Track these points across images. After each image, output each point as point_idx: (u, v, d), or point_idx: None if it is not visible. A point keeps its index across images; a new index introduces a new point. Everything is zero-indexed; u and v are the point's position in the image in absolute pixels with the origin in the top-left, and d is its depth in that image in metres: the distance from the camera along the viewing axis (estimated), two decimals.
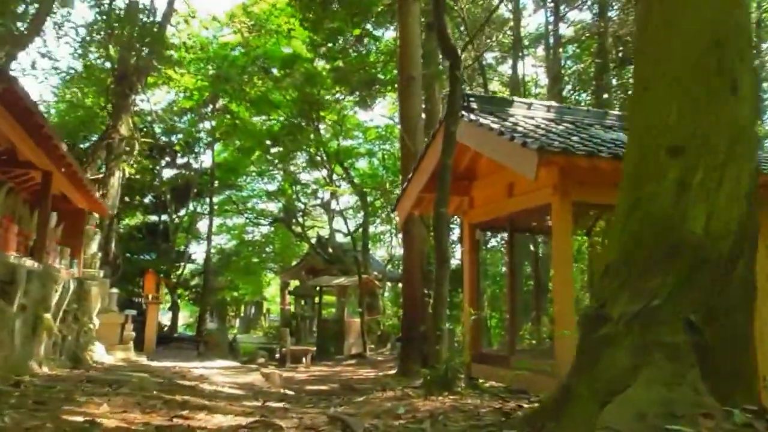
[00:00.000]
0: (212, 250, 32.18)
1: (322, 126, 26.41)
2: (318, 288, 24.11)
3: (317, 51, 20.98)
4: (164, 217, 29.83)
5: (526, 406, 4.17)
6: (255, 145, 27.67)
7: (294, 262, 33.46)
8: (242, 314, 42.84)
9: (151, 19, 17.65)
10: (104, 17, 16.43)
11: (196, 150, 30.36)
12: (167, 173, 29.92)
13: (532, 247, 12.55)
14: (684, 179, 2.45)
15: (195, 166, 30.94)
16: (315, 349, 20.27)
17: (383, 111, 30.36)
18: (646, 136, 2.64)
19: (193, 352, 17.93)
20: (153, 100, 24.75)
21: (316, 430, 3.69)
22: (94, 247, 13.28)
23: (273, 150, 28.52)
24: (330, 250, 29.02)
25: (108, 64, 17.63)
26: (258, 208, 36.60)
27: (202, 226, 34.13)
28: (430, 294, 14.48)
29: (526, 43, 28.82)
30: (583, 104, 24.74)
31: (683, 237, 2.30)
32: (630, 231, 2.48)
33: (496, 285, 16.35)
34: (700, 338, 2.19)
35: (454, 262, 17.32)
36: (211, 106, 28.04)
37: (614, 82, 25.80)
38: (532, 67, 32.06)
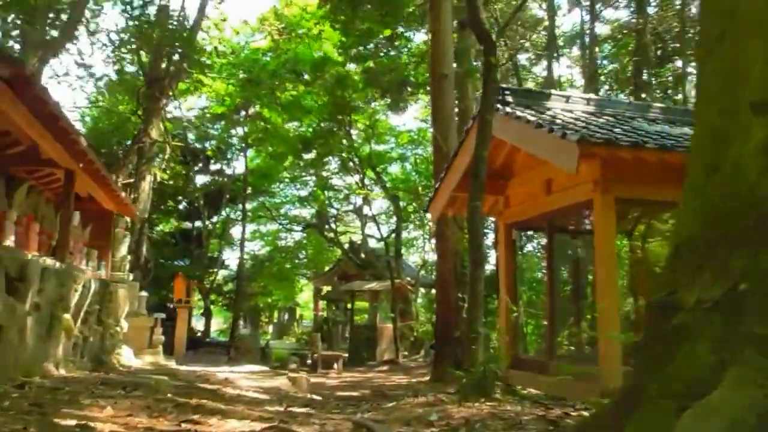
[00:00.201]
0: (245, 256, 32.21)
1: (353, 131, 26.23)
2: (350, 293, 23.79)
3: (348, 53, 20.76)
4: (198, 223, 29.95)
5: (573, 413, 3.77)
6: (287, 151, 27.60)
7: (327, 268, 33.32)
8: (275, 320, 42.84)
9: (183, 22, 17.64)
10: (135, 22, 16.46)
11: (228, 156, 30.48)
12: (200, 179, 30.09)
13: (569, 251, 12.06)
14: None
15: (228, 172, 31.06)
16: (347, 354, 19.96)
17: (415, 115, 30.11)
18: (722, 91, 2.22)
19: (224, 357, 17.79)
20: (185, 106, 24.88)
21: None
22: (123, 250, 13.20)
23: (305, 156, 28.42)
24: (362, 255, 28.79)
25: (138, 67, 17.67)
26: (291, 214, 36.64)
27: (236, 232, 34.22)
28: (464, 298, 14.07)
29: (560, 43, 28.18)
30: None
31: None
32: (708, 202, 2.07)
33: (532, 291, 15.84)
34: None
35: (489, 267, 16.85)
36: (243, 113, 28.08)
37: (653, 81, 24.98)
38: (567, 68, 31.41)
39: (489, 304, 14.70)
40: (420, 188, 27.89)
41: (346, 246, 30.09)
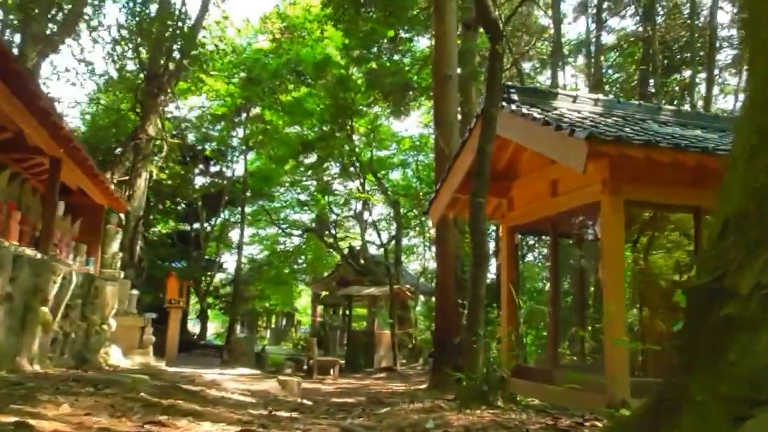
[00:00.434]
0: (243, 260, 31.88)
1: (355, 136, 25.99)
2: (348, 298, 23.42)
3: (350, 55, 20.49)
4: (196, 225, 29.65)
5: (586, 424, 3.44)
6: (288, 154, 27.32)
7: (326, 274, 33.02)
8: (273, 325, 42.52)
9: (183, 19, 17.39)
10: (134, 17, 16.20)
11: (228, 158, 30.20)
12: (200, 181, 29.81)
13: (571, 260, 11.73)
14: None
15: (227, 174, 30.78)
16: (343, 361, 19.58)
17: (418, 120, 29.90)
18: None
19: (218, 360, 17.41)
20: (186, 106, 24.61)
21: None
22: (115, 246, 12.86)
23: (306, 158, 28.17)
24: (362, 261, 28.46)
25: (138, 65, 17.41)
26: (290, 218, 36.39)
27: (234, 235, 33.94)
28: (465, 304, 13.72)
29: (565, 51, 27.94)
30: None
31: None
32: (763, 171, 1.73)
33: (532, 300, 15.49)
34: None
35: (489, 276, 16.46)
36: (244, 115, 27.83)
37: (659, 90, 24.66)
38: (572, 77, 31.12)
39: (489, 313, 14.33)
40: (421, 194, 27.62)
41: (346, 252, 29.76)
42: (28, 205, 8.98)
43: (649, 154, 6.88)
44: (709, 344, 1.58)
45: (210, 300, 32.07)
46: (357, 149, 26.29)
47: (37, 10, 14.57)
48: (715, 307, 1.60)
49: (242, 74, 23.38)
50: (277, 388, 8.05)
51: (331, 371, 17.23)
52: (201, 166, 28.05)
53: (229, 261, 35.13)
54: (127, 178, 15.75)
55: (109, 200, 11.10)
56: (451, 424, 3.48)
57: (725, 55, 25.86)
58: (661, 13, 25.55)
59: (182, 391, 5.49)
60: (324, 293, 29.90)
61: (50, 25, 15.55)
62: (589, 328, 9.92)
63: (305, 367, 17.79)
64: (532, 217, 9.72)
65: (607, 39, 28.23)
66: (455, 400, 4.87)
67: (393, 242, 28.77)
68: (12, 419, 2.80)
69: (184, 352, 17.81)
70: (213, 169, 30.05)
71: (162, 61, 16.62)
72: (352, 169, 27.48)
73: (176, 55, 17.18)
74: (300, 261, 38.16)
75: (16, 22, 14.76)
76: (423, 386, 13.19)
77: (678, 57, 25.80)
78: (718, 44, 22.99)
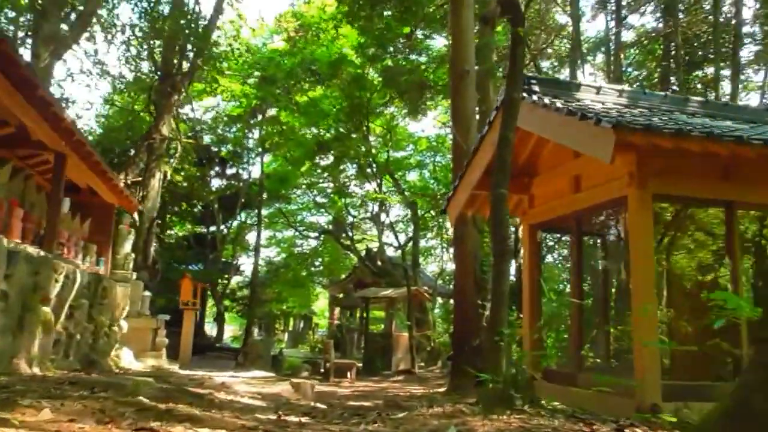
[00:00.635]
0: (260, 262, 31.74)
1: (371, 137, 25.75)
2: (365, 300, 23.11)
3: (365, 53, 20.21)
4: (212, 228, 29.57)
5: (625, 430, 3.12)
6: (304, 155, 27.12)
7: (343, 276, 32.78)
8: (291, 328, 42.39)
9: (196, 17, 17.23)
10: (147, 16, 16.07)
11: (245, 160, 30.10)
12: (216, 183, 29.73)
13: (591, 261, 11.34)
14: None
15: (244, 176, 30.67)
16: (361, 363, 19.30)
17: (435, 118, 29.60)
18: None
19: (232, 362, 17.20)
20: (201, 107, 24.50)
21: None
22: (127, 247, 12.69)
23: (322, 159, 27.98)
24: (379, 263, 28.17)
25: (152, 65, 17.28)
26: (307, 221, 36.27)
27: (251, 238, 33.85)
28: (485, 305, 13.36)
29: (584, 49, 27.47)
30: None
31: None
32: None
33: (552, 302, 15.09)
34: None
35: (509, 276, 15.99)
36: (260, 116, 27.70)
37: (681, 86, 24.13)
38: (590, 75, 30.61)
39: (508, 315, 13.92)
40: (438, 195, 27.29)
41: (363, 254, 29.49)
42: (32, 202, 8.79)
43: (679, 143, 6.52)
44: None
45: (227, 303, 31.98)
46: (373, 150, 26.03)
47: (49, 10, 14.50)
48: None
49: (257, 74, 23.20)
50: (290, 391, 7.77)
51: (348, 374, 16.96)
52: (217, 168, 27.96)
53: (246, 263, 35.05)
54: (140, 178, 15.62)
55: (120, 199, 10.91)
56: (476, 430, 3.17)
57: (748, 52, 25.26)
58: (682, 8, 24.98)
59: (187, 395, 5.22)
60: (341, 295, 29.67)
61: (63, 26, 15.48)
62: (614, 329, 9.55)
63: (322, 369, 17.54)
64: (555, 214, 9.38)
65: (627, 36, 27.74)
66: (477, 403, 4.55)
67: (410, 244, 28.46)
68: None
69: (199, 355, 17.62)
70: (229, 171, 29.97)
71: (175, 61, 16.48)
72: (368, 170, 27.23)
73: (190, 54, 17.04)
74: (317, 263, 37.98)
75: (28, 22, 14.72)
76: (442, 389, 12.85)
77: (700, 53, 25.25)
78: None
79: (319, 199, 34.02)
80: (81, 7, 15.77)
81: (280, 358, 20.48)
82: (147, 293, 13.12)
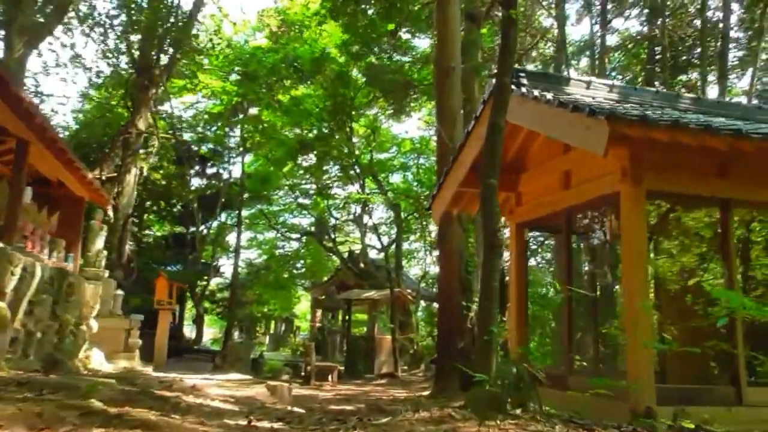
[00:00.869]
0: (241, 264, 31.22)
1: (354, 138, 25.44)
2: (348, 302, 22.74)
3: (349, 51, 19.87)
4: (192, 228, 29.00)
5: None
6: (286, 155, 26.70)
7: (325, 278, 32.38)
8: (272, 331, 41.86)
9: (175, 9, 16.76)
10: (125, 7, 15.59)
11: (226, 159, 29.60)
12: (196, 182, 29.18)
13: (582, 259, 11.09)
14: None
15: (225, 176, 30.16)
16: (343, 366, 18.93)
17: (418, 123, 29.45)
18: None
19: (210, 365, 16.75)
20: (182, 105, 23.97)
21: None
22: (99, 243, 12.18)
23: (304, 159, 27.60)
24: (362, 265, 27.85)
25: (128, 57, 16.78)
26: (289, 222, 35.85)
27: (232, 239, 33.31)
28: (470, 306, 13.07)
29: (569, 53, 27.41)
30: None
31: None
32: None
33: (535, 305, 14.89)
34: None
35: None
36: (241, 115, 27.24)
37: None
38: None
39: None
40: (422, 197, 27.05)
41: (346, 256, 29.13)
42: None
43: (676, 136, 6.25)
44: None
45: (207, 305, 31.40)
46: (357, 151, 25.72)
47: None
48: None
49: (238, 70, 22.73)
50: (266, 394, 7.40)
51: (330, 377, 16.60)
52: (197, 167, 27.40)
53: (226, 265, 34.46)
54: (115, 174, 15.12)
55: (90, 192, 10.43)
56: None
57: (732, 57, 25.33)
58: (668, 12, 25.00)
59: (150, 398, 4.83)
60: (323, 297, 29.29)
61: (38, 17, 14.99)
62: (605, 331, 9.30)
63: (303, 373, 17.16)
64: (543, 212, 9.10)
65: (611, 40, 27.77)
66: (465, 407, 4.23)
67: (393, 246, 28.16)
68: None
69: (176, 357, 17.12)
70: (209, 170, 29.42)
71: (153, 53, 16.00)
72: (351, 171, 26.91)
73: (169, 49, 16.57)
74: (299, 265, 37.53)
75: (1, 12, 14.20)
76: (426, 393, 12.53)
77: (684, 57, 25.29)
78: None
79: (301, 201, 33.64)
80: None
81: (261, 361, 20.03)
82: (120, 292, 12.61)
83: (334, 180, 32.15)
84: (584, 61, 29.23)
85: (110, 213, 13.54)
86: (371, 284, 24.75)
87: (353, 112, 22.84)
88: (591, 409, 5.88)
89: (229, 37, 23.08)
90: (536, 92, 7.39)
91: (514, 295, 9.58)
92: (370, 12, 17.81)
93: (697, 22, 24.44)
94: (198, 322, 28.63)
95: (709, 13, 24.16)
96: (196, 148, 26.37)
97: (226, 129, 28.08)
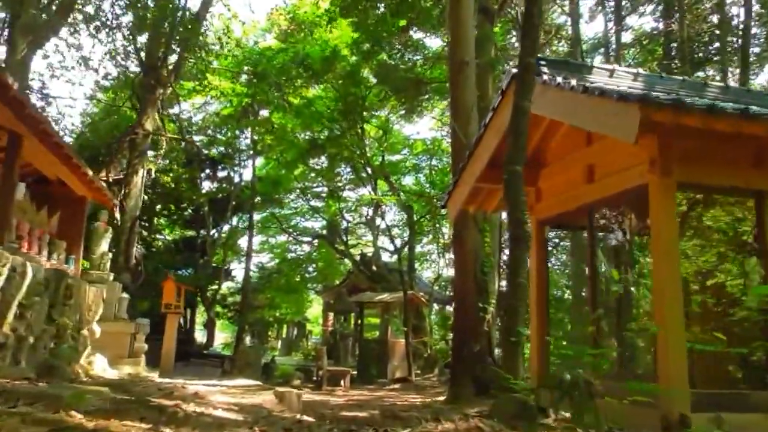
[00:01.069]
0: (253, 268, 30.97)
1: (366, 140, 25.12)
2: (360, 305, 22.32)
3: (360, 49, 19.53)
4: (203, 232, 28.79)
5: None
6: (297, 158, 26.42)
7: (337, 282, 32.04)
8: (284, 335, 41.58)
9: (183, 8, 16.49)
10: (131, 6, 15.31)
11: (236, 162, 29.38)
12: (207, 186, 28.98)
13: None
14: None
15: (236, 179, 29.95)
16: (355, 371, 18.53)
17: (430, 124, 29.13)
18: None
19: (219, 370, 16.39)
20: (191, 107, 23.73)
21: None
22: (104, 246, 11.88)
23: (315, 160, 27.31)
24: (374, 268, 27.45)
25: (135, 56, 16.52)
26: (301, 226, 35.63)
27: (243, 242, 33.12)
28: (486, 308, 12.64)
29: (583, 50, 26.99)
30: None
31: None
32: None
33: (552, 308, 14.43)
34: None
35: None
36: (251, 117, 26.99)
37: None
38: None
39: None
40: (435, 199, 26.66)
41: (358, 259, 28.76)
42: None
43: (711, 123, 5.80)
44: None
45: (218, 309, 31.16)
46: (368, 153, 25.39)
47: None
48: None
49: (248, 70, 22.45)
50: (273, 401, 7.01)
51: (342, 382, 16.20)
52: (208, 170, 27.17)
53: (237, 269, 34.25)
54: (122, 176, 14.84)
55: (92, 192, 10.09)
56: None
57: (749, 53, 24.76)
58: (684, 7, 24.49)
59: (144, 407, 4.47)
60: (335, 301, 28.94)
61: (43, 16, 14.77)
62: (626, 333, 8.84)
63: (315, 377, 16.78)
64: (565, 208, 8.65)
65: (626, 37, 27.34)
66: (490, 416, 3.82)
67: (406, 248, 27.75)
68: None
69: (184, 362, 16.78)
70: (220, 173, 29.23)
71: (160, 53, 15.72)
72: (363, 173, 26.58)
73: (177, 49, 16.30)
74: (311, 269, 37.28)
75: (5, 10, 13.99)
76: (441, 398, 12.11)
77: (700, 53, 24.77)
78: (739, 42, 21.94)
79: (313, 204, 33.39)
80: None
81: (272, 365, 19.68)
82: (125, 295, 12.27)
83: (345, 182, 31.88)
84: (598, 59, 28.80)
85: (117, 215, 13.22)
86: (384, 287, 24.33)
87: (365, 113, 22.50)
88: (619, 416, 5.45)
89: (239, 38, 22.82)
90: (559, 79, 6.98)
91: (534, 297, 9.12)
92: (381, 9, 17.50)
93: (714, 18, 24.00)
94: (209, 326, 28.37)
95: (726, 7, 23.68)
96: (206, 151, 26.12)
97: (237, 131, 27.84)
